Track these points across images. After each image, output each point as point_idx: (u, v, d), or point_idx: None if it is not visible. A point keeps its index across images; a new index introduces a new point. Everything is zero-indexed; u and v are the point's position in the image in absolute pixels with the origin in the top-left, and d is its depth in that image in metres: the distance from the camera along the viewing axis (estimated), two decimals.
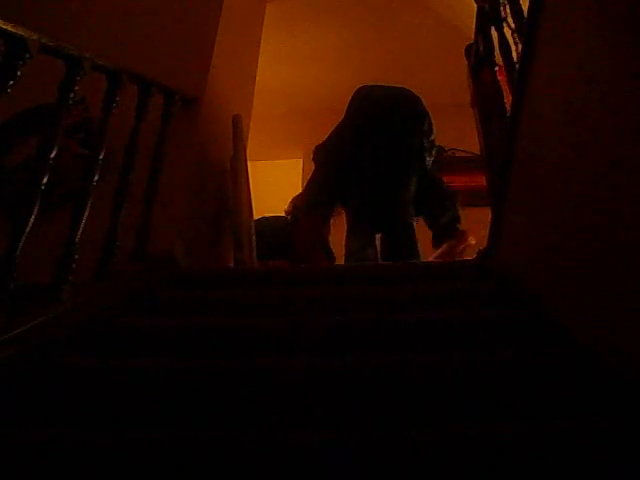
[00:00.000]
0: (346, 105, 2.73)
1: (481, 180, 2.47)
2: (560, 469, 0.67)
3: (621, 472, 0.66)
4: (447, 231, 2.58)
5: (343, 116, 2.72)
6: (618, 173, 0.88)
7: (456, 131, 3.99)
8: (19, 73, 1.12)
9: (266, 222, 2.99)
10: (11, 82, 1.11)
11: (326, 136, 2.83)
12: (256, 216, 2.79)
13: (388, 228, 2.52)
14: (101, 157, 1.46)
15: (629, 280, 0.83)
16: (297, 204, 2.90)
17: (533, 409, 0.86)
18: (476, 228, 2.58)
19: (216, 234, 2.51)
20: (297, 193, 3.27)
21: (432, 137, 2.59)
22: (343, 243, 2.59)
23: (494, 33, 1.86)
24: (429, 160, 2.59)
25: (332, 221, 2.63)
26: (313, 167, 2.79)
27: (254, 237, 2.54)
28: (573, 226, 1.08)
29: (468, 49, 2.47)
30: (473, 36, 2.33)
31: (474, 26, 2.27)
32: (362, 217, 2.52)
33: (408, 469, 0.69)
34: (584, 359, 0.92)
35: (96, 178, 1.42)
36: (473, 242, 2.53)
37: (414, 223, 2.56)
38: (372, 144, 2.49)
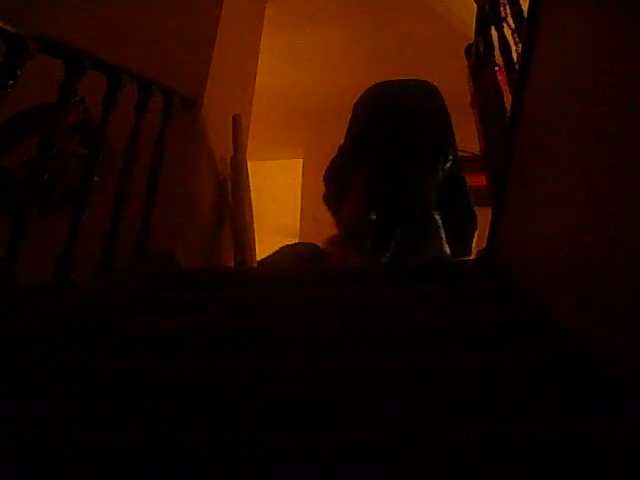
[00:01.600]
0: (346, 105, 2.64)
1: (481, 180, 2.47)
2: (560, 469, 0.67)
3: (620, 473, 0.66)
4: None
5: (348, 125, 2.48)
6: (619, 174, 0.88)
7: (456, 131, 4.00)
8: (19, 73, 1.13)
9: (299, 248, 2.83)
10: (11, 82, 1.11)
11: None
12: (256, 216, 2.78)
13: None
14: (101, 157, 1.46)
15: (631, 281, 0.83)
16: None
17: (532, 411, 0.86)
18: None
19: (216, 234, 2.51)
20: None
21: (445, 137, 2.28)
22: None
23: (494, 33, 1.86)
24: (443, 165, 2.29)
25: None
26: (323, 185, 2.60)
27: (254, 237, 2.54)
28: (573, 225, 1.08)
29: (468, 49, 2.47)
30: (473, 36, 2.33)
31: (474, 26, 2.27)
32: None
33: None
34: (585, 361, 0.91)
35: (96, 178, 1.43)
36: None
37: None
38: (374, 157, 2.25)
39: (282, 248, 2.73)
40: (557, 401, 0.88)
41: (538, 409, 0.86)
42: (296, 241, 3.75)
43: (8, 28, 1.11)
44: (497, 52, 1.87)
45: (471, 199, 2.49)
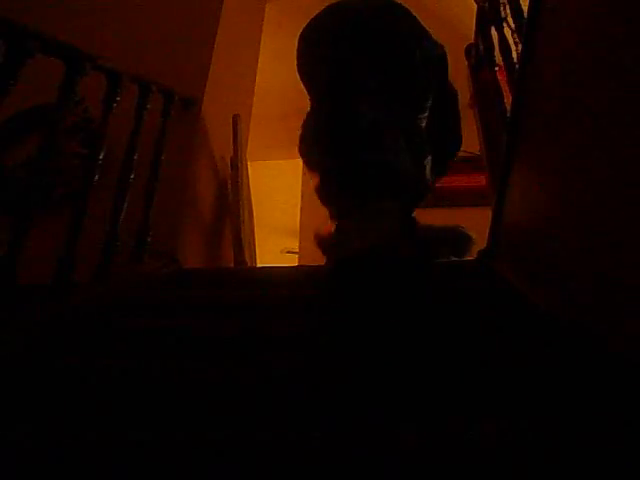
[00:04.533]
0: None
1: (481, 180, 2.47)
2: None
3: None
4: None
5: None
6: (619, 176, 0.88)
7: None
8: (19, 73, 1.13)
9: None
10: (11, 82, 1.11)
11: None
12: (256, 216, 2.78)
13: None
14: (101, 157, 1.46)
15: (635, 281, 0.83)
16: None
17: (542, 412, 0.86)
18: (476, 228, 2.58)
19: (216, 234, 2.51)
20: None
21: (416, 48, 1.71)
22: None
23: (494, 33, 1.86)
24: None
25: None
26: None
27: (254, 237, 2.54)
28: (574, 225, 1.08)
29: (468, 49, 2.47)
30: (473, 36, 2.33)
31: (474, 26, 2.28)
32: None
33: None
34: (588, 364, 0.91)
35: (96, 178, 1.43)
36: None
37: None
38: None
39: None
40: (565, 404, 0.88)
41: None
42: (296, 241, 3.73)
43: (8, 28, 1.11)
44: (497, 52, 1.88)
45: (459, 119, 2.11)
